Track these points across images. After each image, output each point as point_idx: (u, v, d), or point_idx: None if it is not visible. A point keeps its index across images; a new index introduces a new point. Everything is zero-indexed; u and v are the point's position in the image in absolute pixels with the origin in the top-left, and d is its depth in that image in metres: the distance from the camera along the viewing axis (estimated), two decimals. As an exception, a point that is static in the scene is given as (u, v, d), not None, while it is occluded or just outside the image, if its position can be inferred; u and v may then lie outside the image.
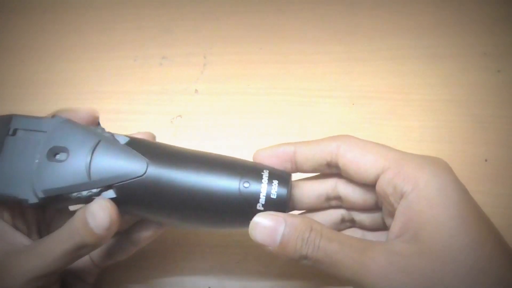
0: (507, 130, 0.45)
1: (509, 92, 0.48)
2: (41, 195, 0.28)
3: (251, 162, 0.31)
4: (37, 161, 0.28)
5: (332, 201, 0.32)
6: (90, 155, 0.28)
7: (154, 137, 0.33)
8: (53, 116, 0.31)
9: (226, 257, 0.40)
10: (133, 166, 0.28)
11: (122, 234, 0.35)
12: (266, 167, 0.30)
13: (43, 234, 0.34)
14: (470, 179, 0.43)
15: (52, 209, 0.35)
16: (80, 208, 0.28)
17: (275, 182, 0.29)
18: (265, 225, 0.26)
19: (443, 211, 0.24)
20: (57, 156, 0.29)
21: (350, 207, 0.31)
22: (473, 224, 0.24)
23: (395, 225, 0.26)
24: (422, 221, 0.24)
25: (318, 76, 0.50)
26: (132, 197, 0.29)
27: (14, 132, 0.30)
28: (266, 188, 0.28)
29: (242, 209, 0.28)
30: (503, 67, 0.49)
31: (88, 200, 0.28)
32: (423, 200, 0.24)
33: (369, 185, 0.28)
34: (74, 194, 0.28)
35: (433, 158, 0.27)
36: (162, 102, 0.49)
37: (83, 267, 0.35)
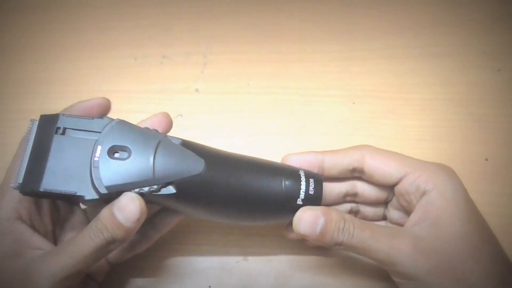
0: (507, 129, 0.46)
1: (509, 91, 0.48)
2: (103, 190, 0.28)
3: (287, 164, 0.35)
4: (96, 159, 0.29)
5: (347, 197, 0.37)
6: (154, 154, 0.30)
7: (168, 116, 0.36)
8: (102, 116, 0.32)
9: (226, 256, 0.40)
10: (193, 164, 0.31)
11: (145, 224, 0.34)
12: (301, 169, 0.34)
13: (57, 235, 0.35)
14: (471, 178, 0.43)
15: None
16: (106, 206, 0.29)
17: (311, 180, 0.33)
18: (306, 219, 0.31)
19: (455, 206, 0.30)
20: (118, 155, 0.30)
21: (362, 202, 0.37)
22: (474, 215, 0.31)
23: (415, 215, 0.32)
24: (440, 213, 0.30)
25: (317, 75, 0.50)
26: (190, 193, 0.31)
27: (64, 131, 0.31)
28: (304, 186, 0.33)
29: (285, 203, 0.33)
30: (503, 66, 0.49)
31: (148, 196, 0.29)
32: (441, 197, 0.31)
33: (387, 186, 0.34)
34: (136, 190, 0.29)
35: (442, 165, 0.33)
36: (162, 101, 0.49)
37: (96, 266, 0.35)
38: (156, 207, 0.36)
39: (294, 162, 0.35)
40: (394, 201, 0.36)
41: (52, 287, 0.28)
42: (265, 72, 0.51)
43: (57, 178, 0.29)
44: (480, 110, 0.47)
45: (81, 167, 0.29)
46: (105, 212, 0.29)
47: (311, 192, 0.33)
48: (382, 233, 0.30)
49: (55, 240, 0.34)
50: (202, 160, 0.31)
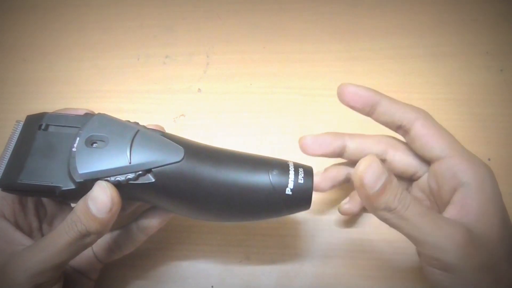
0: (510, 129, 0.45)
1: (512, 91, 0.48)
2: (79, 178, 0.28)
3: (276, 157, 0.33)
4: (74, 149, 0.29)
5: None
6: (131, 141, 0.29)
7: (163, 129, 0.34)
8: (85, 114, 0.32)
9: (229, 256, 0.40)
10: (171, 152, 0.30)
11: (131, 224, 0.35)
12: (290, 161, 0.32)
13: (45, 232, 0.35)
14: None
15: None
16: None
17: (301, 170, 0.32)
18: (374, 170, 0.27)
19: (495, 206, 0.29)
20: (95, 145, 0.30)
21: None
22: (508, 219, 0.30)
23: (454, 208, 0.30)
24: (482, 210, 0.29)
25: (320, 75, 0.50)
26: (169, 183, 0.30)
27: (46, 127, 0.31)
28: (293, 175, 0.31)
29: (273, 194, 0.31)
30: (505, 66, 0.49)
31: (125, 185, 0.29)
32: (482, 193, 0.29)
33: (422, 159, 0.33)
34: (112, 178, 0.29)
35: (483, 162, 0.31)
36: (165, 101, 0.50)
37: (86, 263, 0.35)
38: (142, 207, 0.36)
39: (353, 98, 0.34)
40: (422, 180, 0.34)
41: (27, 281, 0.27)
42: (268, 72, 0.51)
43: (36, 172, 0.29)
44: (483, 110, 0.47)
45: (61, 161, 0.30)
46: (80, 203, 0.28)
47: (301, 181, 0.31)
48: (435, 215, 0.28)
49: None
50: (182, 148, 0.30)
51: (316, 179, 0.37)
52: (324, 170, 0.38)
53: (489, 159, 0.44)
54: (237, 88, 0.50)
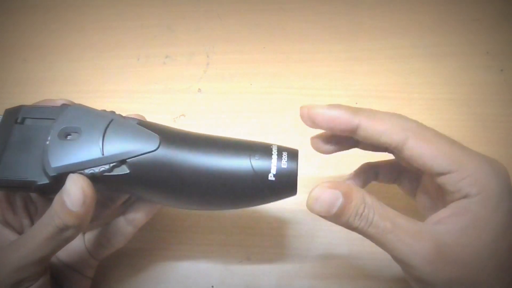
0: (510, 129, 0.45)
1: (512, 91, 0.48)
2: (52, 173, 0.28)
3: (258, 141, 0.32)
4: (47, 142, 0.28)
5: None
6: (103, 132, 0.29)
7: (143, 118, 0.34)
8: (62, 105, 0.31)
9: (229, 256, 0.40)
10: (146, 141, 0.29)
11: (119, 217, 0.34)
12: (274, 144, 0.31)
13: None
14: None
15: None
16: None
17: (285, 154, 0.30)
18: (324, 200, 0.27)
19: (494, 217, 0.26)
20: (69, 137, 0.29)
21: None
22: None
23: (445, 213, 0.28)
24: (475, 221, 0.26)
25: (320, 75, 0.50)
26: (145, 174, 0.29)
27: (22, 120, 0.30)
28: (276, 159, 0.29)
29: (254, 181, 0.29)
30: (506, 66, 0.49)
31: (101, 177, 0.28)
32: (483, 205, 0.27)
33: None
34: (86, 171, 0.28)
35: (495, 163, 0.28)
36: (165, 101, 0.49)
37: (79, 259, 0.35)
38: (128, 201, 0.36)
39: (318, 118, 0.30)
40: (425, 185, 0.33)
41: (9, 276, 0.27)
42: (268, 72, 0.51)
43: (12, 167, 0.29)
44: (483, 110, 0.47)
45: (36, 154, 0.29)
46: (56, 197, 0.28)
47: (284, 166, 0.29)
48: (403, 229, 0.27)
49: None
50: (157, 136, 0.29)
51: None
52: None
53: (489, 159, 0.44)
54: (237, 88, 0.50)
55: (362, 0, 0.56)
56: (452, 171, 0.27)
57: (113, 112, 0.31)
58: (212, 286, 0.39)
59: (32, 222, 0.34)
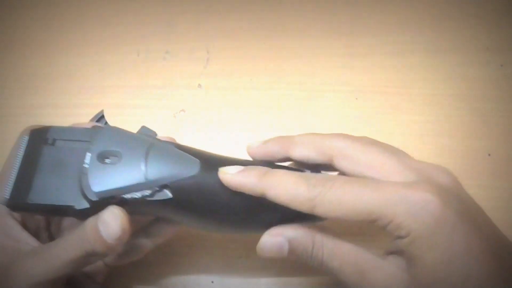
0: (510, 124, 0.45)
1: (512, 87, 0.48)
2: (94, 198, 0.27)
3: (291, 166, 0.32)
4: (86, 166, 0.28)
5: None
6: (145, 156, 0.28)
7: (175, 140, 0.34)
8: (93, 126, 0.31)
9: (229, 252, 0.40)
10: (187, 166, 0.28)
11: (140, 233, 0.34)
12: (305, 169, 0.31)
13: (53, 231, 0.35)
14: (474, 174, 0.43)
15: None
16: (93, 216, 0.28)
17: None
18: (269, 248, 0.28)
19: (433, 260, 0.25)
20: (108, 160, 0.28)
21: None
22: (459, 265, 0.25)
23: (391, 247, 0.27)
24: (412, 263, 0.25)
25: (320, 71, 0.50)
26: (187, 198, 0.28)
27: (53, 142, 0.30)
28: None
29: None
30: (506, 62, 0.49)
31: (143, 203, 0.28)
32: (416, 247, 0.25)
33: None
34: (128, 196, 0.27)
35: (430, 185, 0.25)
36: (165, 96, 0.49)
37: (94, 267, 0.35)
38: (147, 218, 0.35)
39: (251, 152, 0.32)
40: None
41: None
42: (268, 68, 0.51)
43: (46, 191, 0.28)
44: (483, 106, 0.47)
45: (72, 178, 0.28)
46: (90, 222, 0.27)
47: None
48: (352, 266, 0.27)
49: (50, 237, 0.34)
50: (197, 160, 0.29)
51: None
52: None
53: (489, 154, 0.44)
54: (237, 83, 0.50)
55: (362, -4, 0.56)
56: (372, 220, 0.25)
57: (149, 136, 0.30)
58: (212, 282, 0.39)
59: (49, 225, 0.34)
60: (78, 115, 0.46)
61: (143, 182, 0.28)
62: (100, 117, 0.32)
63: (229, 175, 0.28)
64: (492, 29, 0.52)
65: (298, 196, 0.26)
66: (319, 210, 0.26)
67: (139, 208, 0.28)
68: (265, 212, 0.29)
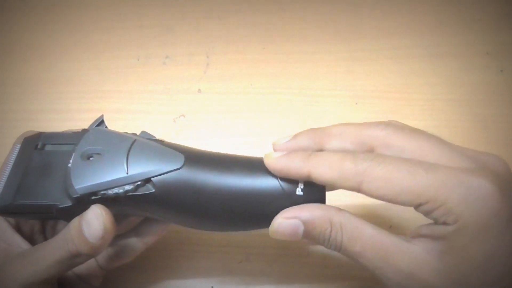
0: (510, 129, 0.45)
1: (512, 92, 0.48)
2: (75, 194, 0.27)
3: None
4: (70, 165, 0.28)
5: None
6: (127, 152, 0.28)
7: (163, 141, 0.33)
8: (82, 130, 0.31)
9: (229, 257, 0.40)
10: (170, 160, 0.28)
11: (130, 233, 0.34)
12: None
13: (48, 234, 0.35)
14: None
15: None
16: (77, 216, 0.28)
17: None
18: (283, 231, 0.27)
19: (478, 252, 0.23)
20: (92, 158, 0.28)
21: None
22: (492, 258, 0.24)
23: (424, 229, 0.25)
24: (453, 251, 0.24)
25: (320, 76, 0.50)
26: (170, 193, 0.28)
27: (42, 146, 0.31)
28: None
29: (282, 197, 0.28)
30: (505, 67, 0.49)
31: (124, 198, 0.28)
32: (461, 236, 0.23)
33: None
34: (110, 191, 0.27)
35: (481, 174, 0.24)
36: (165, 101, 0.49)
37: (88, 270, 0.35)
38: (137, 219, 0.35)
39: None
40: None
41: None
42: (268, 73, 0.51)
43: (32, 191, 0.28)
44: (483, 111, 0.47)
45: (58, 178, 0.29)
46: (74, 222, 0.27)
47: None
48: (374, 250, 0.25)
49: (45, 240, 0.34)
50: (181, 155, 0.29)
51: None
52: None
53: (489, 160, 0.44)
54: (237, 88, 0.50)
55: (362, 1, 0.56)
56: (421, 203, 0.24)
57: (134, 134, 0.31)
58: (212, 286, 0.39)
59: (44, 228, 0.34)
60: (78, 120, 0.46)
61: (124, 177, 0.28)
62: (100, 122, 0.32)
63: (273, 159, 0.28)
64: (492, 34, 0.52)
65: (345, 172, 0.25)
66: (366, 187, 0.24)
67: (124, 206, 0.28)
68: (250, 208, 0.29)
